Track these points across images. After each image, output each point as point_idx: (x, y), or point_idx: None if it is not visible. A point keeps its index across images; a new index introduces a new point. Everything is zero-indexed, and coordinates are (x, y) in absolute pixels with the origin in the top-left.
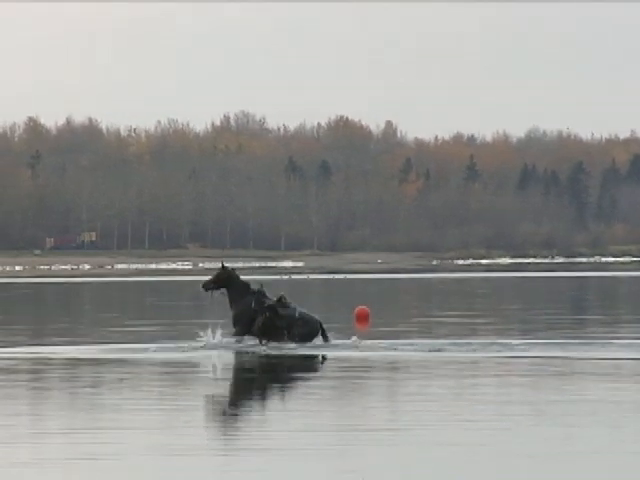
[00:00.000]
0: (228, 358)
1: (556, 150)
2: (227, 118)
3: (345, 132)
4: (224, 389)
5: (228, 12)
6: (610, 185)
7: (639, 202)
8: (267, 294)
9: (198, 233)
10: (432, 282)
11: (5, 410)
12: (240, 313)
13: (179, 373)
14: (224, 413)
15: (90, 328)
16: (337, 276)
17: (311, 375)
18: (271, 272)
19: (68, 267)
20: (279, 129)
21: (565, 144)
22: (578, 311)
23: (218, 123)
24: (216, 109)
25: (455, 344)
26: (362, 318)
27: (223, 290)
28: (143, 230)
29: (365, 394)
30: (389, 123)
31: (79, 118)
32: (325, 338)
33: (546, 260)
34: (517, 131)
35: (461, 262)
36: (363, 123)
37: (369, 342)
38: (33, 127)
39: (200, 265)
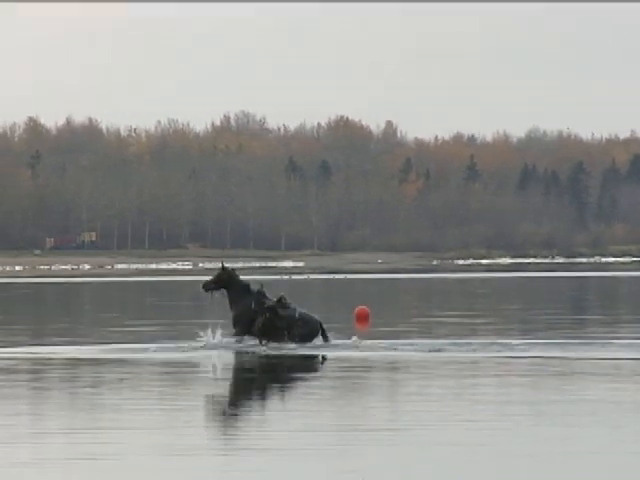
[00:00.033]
0: (228, 358)
1: (556, 150)
2: (227, 118)
3: (345, 132)
4: (224, 389)
5: (228, 12)
6: (610, 185)
7: (639, 202)
8: (267, 295)
9: (198, 233)
10: (432, 282)
11: (5, 410)
12: (240, 314)
13: (179, 373)
14: (224, 413)
15: (90, 328)
16: (337, 276)
17: (311, 375)
18: (271, 272)
19: (68, 267)
20: (279, 129)
21: (565, 144)
22: (578, 311)
23: (218, 123)
24: (216, 109)
25: (455, 344)
26: (362, 318)
27: (223, 291)
28: (143, 230)
29: (365, 394)
30: (389, 123)
31: (79, 118)
32: (325, 338)
33: (546, 260)
34: (517, 131)
35: (461, 262)
36: (363, 123)
37: (369, 342)
38: (33, 127)
39: (200, 265)
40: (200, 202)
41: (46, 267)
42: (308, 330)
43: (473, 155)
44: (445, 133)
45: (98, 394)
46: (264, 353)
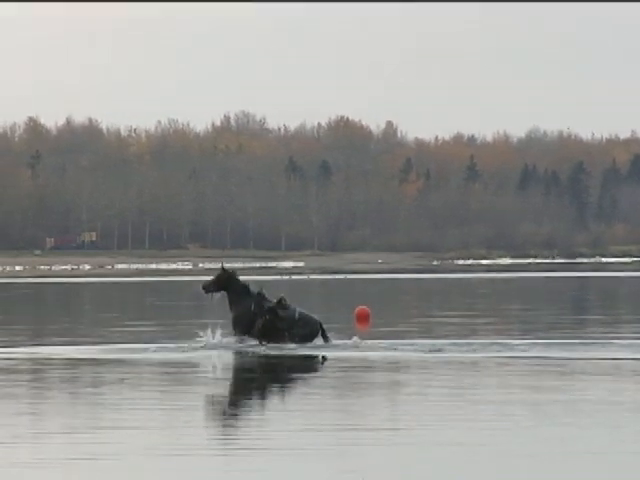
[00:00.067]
0: (228, 358)
1: (556, 150)
2: (227, 118)
3: (345, 132)
4: (224, 389)
5: (228, 12)
6: (610, 185)
7: (639, 202)
8: (267, 296)
9: (198, 233)
10: (432, 282)
11: (5, 410)
12: (240, 315)
13: (179, 373)
14: (224, 413)
15: (90, 328)
16: (337, 276)
17: (311, 375)
18: (271, 272)
19: (68, 267)
20: (279, 129)
21: (565, 144)
22: (578, 311)
23: (218, 123)
24: (216, 109)
25: (455, 344)
26: (362, 318)
27: (223, 292)
28: (143, 230)
29: (365, 394)
30: (389, 123)
31: (79, 118)
32: (325, 338)
33: (547, 260)
34: (517, 131)
35: (461, 262)
36: (363, 123)
37: (369, 342)
38: (33, 127)
39: (200, 265)
40: (200, 202)
41: (46, 267)
42: (308, 330)
43: (473, 155)
44: (445, 133)
45: (98, 394)
46: (264, 353)
